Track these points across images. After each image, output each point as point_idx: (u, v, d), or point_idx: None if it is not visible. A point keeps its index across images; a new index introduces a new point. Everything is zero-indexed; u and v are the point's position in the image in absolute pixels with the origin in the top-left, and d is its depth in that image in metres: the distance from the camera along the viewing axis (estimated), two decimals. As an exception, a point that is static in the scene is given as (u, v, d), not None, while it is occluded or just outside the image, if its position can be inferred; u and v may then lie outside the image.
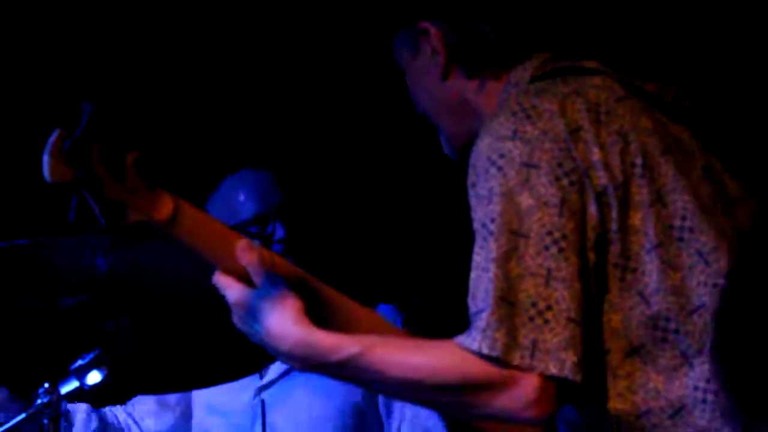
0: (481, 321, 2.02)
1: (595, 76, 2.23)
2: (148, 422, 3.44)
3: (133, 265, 2.64)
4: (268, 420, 3.27)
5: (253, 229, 3.33)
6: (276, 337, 2.17)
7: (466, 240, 2.13)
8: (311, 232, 3.35)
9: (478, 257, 2.07)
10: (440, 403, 2.13)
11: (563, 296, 2.02)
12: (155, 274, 2.66)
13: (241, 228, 3.31)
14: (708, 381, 2.02)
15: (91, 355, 2.64)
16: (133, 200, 2.17)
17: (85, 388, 2.64)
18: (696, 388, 2.02)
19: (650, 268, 2.07)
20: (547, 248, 2.04)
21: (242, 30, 4.14)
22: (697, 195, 2.10)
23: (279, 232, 3.32)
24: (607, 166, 2.08)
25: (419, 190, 4.18)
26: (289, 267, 2.29)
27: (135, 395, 3.32)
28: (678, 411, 2.03)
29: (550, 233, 2.04)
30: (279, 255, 2.33)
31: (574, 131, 2.11)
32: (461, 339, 2.04)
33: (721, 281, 2.05)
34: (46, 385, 2.63)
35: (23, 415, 2.65)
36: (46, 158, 2.10)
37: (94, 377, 2.65)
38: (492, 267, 2.04)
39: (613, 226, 2.08)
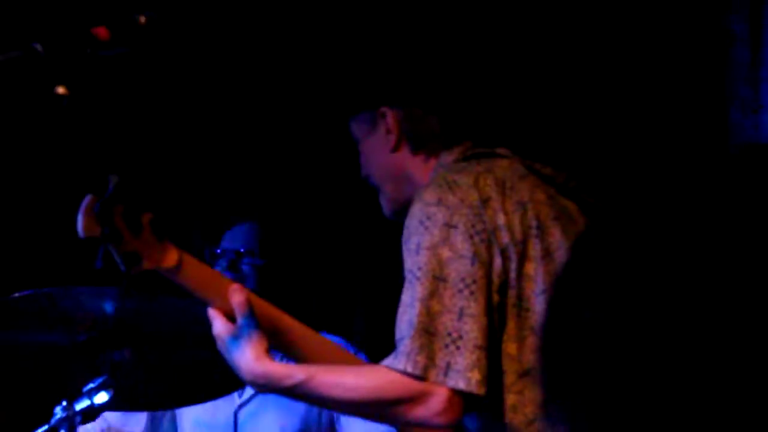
0: (406, 347, 2.24)
1: (503, 159, 2.47)
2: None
3: (134, 309, 2.79)
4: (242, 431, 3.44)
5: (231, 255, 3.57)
6: (242, 369, 2.42)
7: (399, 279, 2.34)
8: (277, 271, 3.59)
9: (406, 297, 2.30)
10: (372, 414, 2.33)
11: (472, 328, 2.24)
12: (152, 316, 2.83)
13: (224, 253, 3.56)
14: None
15: (100, 380, 2.75)
16: (147, 252, 2.40)
17: (95, 405, 2.74)
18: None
19: (539, 308, 2.30)
20: (461, 291, 2.25)
21: (232, 90, 4.33)
22: None
23: (254, 261, 3.59)
24: (509, 228, 2.33)
25: (364, 231, 4.39)
26: (268, 308, 2.51)
27: (134, 411, 3.52)
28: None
29: (463, 279, 2.26)
30: (261, 299, 2.52)
31: (485, 201, 2.34)
32: (389, 362, 2.27)
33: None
34: (64, 402, 2.75)
35: (45, 427, 2.75)
36: (80, 217, 2.36)
37: (101, 397, 2.74)
38: (417, 304, 2.25)
39: (513, 274, 2.31)
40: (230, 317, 2.48)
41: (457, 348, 2.22)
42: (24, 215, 4.28)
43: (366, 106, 2.65)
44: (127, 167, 2.44)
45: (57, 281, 2.82)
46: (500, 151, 2.53)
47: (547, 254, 2.34)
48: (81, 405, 2.78)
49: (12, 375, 2.94)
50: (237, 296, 2.46)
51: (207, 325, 2.80)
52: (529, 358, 2.29)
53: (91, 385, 2.78)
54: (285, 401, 3.35)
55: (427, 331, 2.24)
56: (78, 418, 2.77)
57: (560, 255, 2.33)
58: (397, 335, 2.31)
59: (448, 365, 2.22)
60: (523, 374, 2.30)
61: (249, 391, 3.56)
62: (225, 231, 3.77)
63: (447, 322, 2.23)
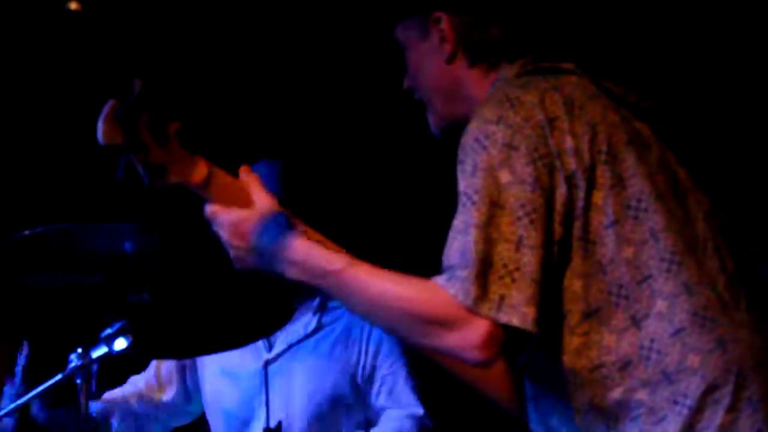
0: (460, 273, 2.10)
1: (571, 75, 2.32)
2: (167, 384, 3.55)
3: (155, 248, 2.70)
4: (271, 388, 3.36)
5: None
6: (281, 249, 2.24)
7: (447, 214, 2.20)
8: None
9: (458, 222, 2.14)
10: (401, 328, 2.18)
11: (530, 260, 2.10)
12: (173, 256, 2.73)
13: None
14: (652, 341, 2.14)
15: (118, 325, 2.71)
16: (174, 164, 2.26)
17: (113, 353, 2.70)
18: (642, 347, 2.14)
19: (608, 242, 2.16)
20: (519, 219, 2.12)
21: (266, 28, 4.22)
22: (652, 181, 2.20)
23: None
24: (577, 152, 2.18)
25: (405, 172, 4.30)
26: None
27: (155, 359, 3.45)
28: (626, 365, 2.14)
29: (522, 206, 2.12)
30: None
31: (551, 120, 2.20)
32: (442, 281, 2.12)
33: (667, 256, 2.16)
34: (79, 350, 2.71)
35: (59, 376, 2.73)
36: (100, 123, 2.20)
37: (120, 344, 2.70)
38: (472, 231, 2.11)
39: (579, 203, 2.17)
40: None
41: (513, 280, 2.09)
42: (38, 145, 4.18)
43: (417, 10, 2.48)
44: (152, 74, 2.24)
45: (71, 217, 2.73)
46: (566, 66, 2.38)
47: (618, 182, 2.20)
48: (98, 352, 2.74)
49: (23, 319, 2.84)
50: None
51: (231, 268, 2.69)
52: (596, 296, 2.19)
53: (109, 331, 2.73)
54: (314, 363, 3.40)
55: (483, 260, 2.11)
56: (95, 366, 2.72)
57: (633, 183, 2.20)
58: (446, 262, 2.16)
59: (502, 298, 2.10)
60: (589, 314, 2.20)
61: (278, 348, 3.46)
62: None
63: (504, 252, 2.11)
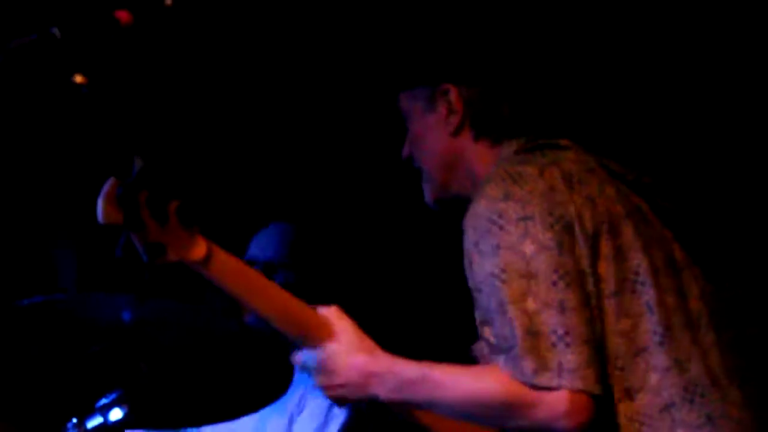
0: (513, 352, 2.13)
1: (568, 151, 2.37)
2: None
3: (153, 319, 2.66)
4: None
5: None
6: (361, 367, 2.32)
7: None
8: (317, 282, 3.40)
9: (493, 303, 2.17)
10: (488, 417, 2.23)
11: (577, 322, 2.14)
12: (171, 327, 2.70)
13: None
14: (643, 415, 2.16)
15: (114, 395, 2.69)
16: (173, 242, 2.29)
17: (108, 423, 2.67)
18: (632, 420, 2.16)
19: (608, 312, 2.20)
20: (555, 284, 2.16)
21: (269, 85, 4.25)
22: (649, 255, 2.25)
23: (285, 278, 3.39)
24: (580, 221, 2.22)
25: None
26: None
27: (149, 429, 3.27)
28: None
29: (555, 271, 2.17)
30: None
31: (552, 189, 2.24)
32: (501, 362, 2.16)
33: (660, 330, 2.19)
34: (74, 420, 2.68)
35: None
36: (100, 202, 2.23)
37: (116, 414, 2.67)
38: (510, 308, 2.15)
39: (588, 270, 2.21)
40: (266, 323, 2.44)
41: (567, 345, 2.14)
42: (36, 212, 4.20)
43: (426, 81, 2.50)
44: (152, 153, 2.25)
45: (68, 287, 2.66)
46: (563, 142, 2.42)
47: (618, 254, 2.25)
48: (93, 422, 2.71)
49: (18, 389, 2.81)
50: (329, 308, 2.42)
51: (230, 337, 2.73)
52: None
53: (105, 401, 2.72)
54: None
55: (530, 332, 2.15)
56: None
57: (631, 257, 2.24)
58: (499, 344, 2.19)
59: (560, 365, 2.13)
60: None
61: (281, 426, 3.47)
62: (253, 236, 3.57)
63: (548, 319, 2.16)
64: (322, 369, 2.36)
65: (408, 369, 2.27)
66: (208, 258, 2.33)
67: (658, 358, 2.17)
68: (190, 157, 4.10)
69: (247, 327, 2.84)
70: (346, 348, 2.34)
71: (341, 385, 2.34)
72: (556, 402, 2.12)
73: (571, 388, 2.11)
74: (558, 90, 2.70)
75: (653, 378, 2.16)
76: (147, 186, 2.23)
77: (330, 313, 2.39)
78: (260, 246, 3.51)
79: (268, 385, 2.86)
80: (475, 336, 2.36)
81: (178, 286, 2.80)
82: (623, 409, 2.16)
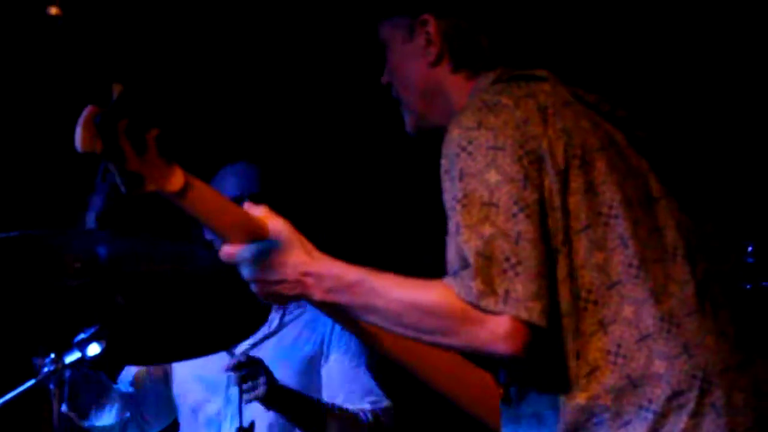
0: (462, 272, 2.12)
1: (544, 82, 2.33)
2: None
3: (128, 253, 2.67)
4: (233, 386, 3.32)
5: None
6: (297, 265, 2.26)
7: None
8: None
9: (451, 226, 2.16)
10: (424, 329, 2.18)
11: (531, 254, 2.12)
12: (146, 261, 2.70)
13: None
14: (618, 346, 2.15)
15: (91, 330, 2.70)
16: (151, 172, 2.21)
17: (86, 358, 2.68)
18: (608, 352, 2.15)
19: (579, 247, 2.18)
20: (515, 215, 2.13)
21: (250, 26, 4.20)
22: (623, 188, 2.22)
23: None
24: (552, 156, 2.20)
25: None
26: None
27: (127, 365, 3.45)
28: (593, 371, 2.16)
29: (516, 203, 2.14)
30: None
31: (526, 122, 2.22)
32: (448, 280, 2.14)
33: (635, 262, 2.18)
34: (52, 355, 2.70)
35: (32, 382, 2.72)
36: (78, 130, 2.14)
37: (93, 349, 2.69)
38: (465, 231, 2.13)
39: (556, 206, 2.19)
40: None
41: (516, 274, 2.11)
42: (15, 150, 4.15)
43: (405, 11, 2.48)
44: (131, 80, 2.21)
45: (46, 221, 2.73)
46: (540, 73, 2.38)
47: (590, 188, 2.22)
48: (71, 357, 2.72)
49: None
50: (257, 209, 2.34)
51: (207, 272, 2.73)
52: (566, 301, 2.19)
53: (82, 336, 2.71)
54: (277, 360, 3.38)
55: (482, 255, 2.12)
56: (67, 372, 2.74)
57: (604, 190, 2.22)
58: (449, 268, 2.18)
59: (507, 292, 2.11)
60: (557, 317, 2.20)
61: (241, 346, 3.42)
62: (217, 173, 3.55)
63: (503, 245, 2.12)
64: (258, 263, 2.29)
65: (348, 271, 2.24)
66: (185, 189, 2.27)
67: (633, 290, 2.17)
68: (166, 84, 4.06)
69: (222, 261, 2.85)
70: (284, 245, 2.29)
71: (277, 282, 2.28)
72: (496, 325, 2.09)
73: (515, 316, 2.09)
74: (536, 21, 2.67)
75: (628, 310, 2.16)
76: (126, 114, 2.18)
77: (262, 212, 2.34)
78: (233, 182, 3.50)
79: (243, 320, 2.89)
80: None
81: (163, 221, 2.76)
82: (597, 342, 2.16)
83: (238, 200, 3.11)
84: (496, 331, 2.09)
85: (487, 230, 2.12)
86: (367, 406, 3.43)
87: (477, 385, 2.54)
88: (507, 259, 2.11)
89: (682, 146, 2.44)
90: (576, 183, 2.21)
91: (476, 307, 2.10)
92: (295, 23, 4.22)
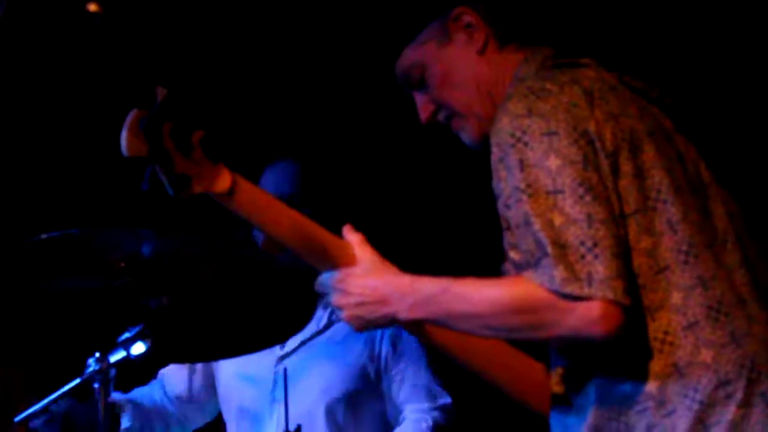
0: (542, 262, 2.10)
1: (588, 68, 2.32)
2: (178, 385, 3.53)
3: (173, 252, 2.66)
4: (282, 385, 3.27)
5: None
6: (380, 287, 2.28)
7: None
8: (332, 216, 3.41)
9: (518, 216, 2.15)
10: (515, 327, 2.17)
11: (605, 234, 2.09)
12: (192, 260, 2.69)
13: None
14: (665, 333, 2.13)
15: (136, 329, 2.71)
16: (198, 174, 2.24)
17: (131, 357, 2.69)
18: (654, 339, 2.13)
19: (628, 231, 2.15)
20: (581, 197, 2.11)
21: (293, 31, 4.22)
22: (671, 173, 2.20)
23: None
24: (601, 138, 2.18)
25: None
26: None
27: (171, 363, 3.44)
28: (638, 356, 2.14)
29: (581, 184, 2.12)
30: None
31: (575, 106, 2.20)
32: (528, 274, 2.12)
33: (684, 248, 2.16)
34: (97, 354, 2.70)
35: (77, 380, 2.73)
36: (124, 134, 2.18)
37: (138, 348, 2.70)
38: (536, 221, 2.11)
39: (610, 186, 2.17)
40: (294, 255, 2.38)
41: (595, 257, 2.08)
42: (58, 149, 4.16)
43: (434, 17, 2.46)
44: (174, 82, 2.21)
45: (90, 220, 2.76)
46: (584, 60, 2.37)
47: (639, 172, 2.20)
48: (116, 356, 2.72)
49: (40, 324, 2.80)
50: (354, 235, 2.37)
51: (252, 271, 2.74)
52: None
53: (127, 335, 2.72)
54: (326, 360, 3.38)
55: (558, 244, 2.10)
56: (112, 371, 2.71)
57: (652, 174, 2.20)
58: (522, 259, 2.17)
59: (590, 275, 2.08)
60: None
61: (290, 345, 3.44)
62: (263, 172, 3.53)
63: (576, 231, 2.10)
64: (337, 287, 2.32)
65: (429, 283, 2.24)
66: (232, 189, 2.30)
67: (682, 277, 2.14)
68: (204, 85, 4.05)
69: (267, 260, 2.85)
70: (364, 269, 2.31)
71: (358, 304, 2.29)
72: (587, 309, 2.07)
73: (602, 297, 2.07)
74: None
75: (676, 296, 2.14)
76: (171, 116, 2.20)
77: (353, 239, 2.37)
78: (273, 182, 3.48)
79: (288, 318, 2.87)
80: (497, 267, 2.36)
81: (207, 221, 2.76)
82: (642, 328, 2.13)
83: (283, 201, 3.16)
84: (588, 315, 2.07)
85: (557, 219, 2.11)
86: (426, 405, 3.41)
87: (527, 374, 2.52)
88: (582, 243, 2.09)
89: (726, 133, 2.41)
90: (626, 167, 2.19)
91: (562, 295, 2.08)
92: (340, 24, 4.20)
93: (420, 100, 2.51)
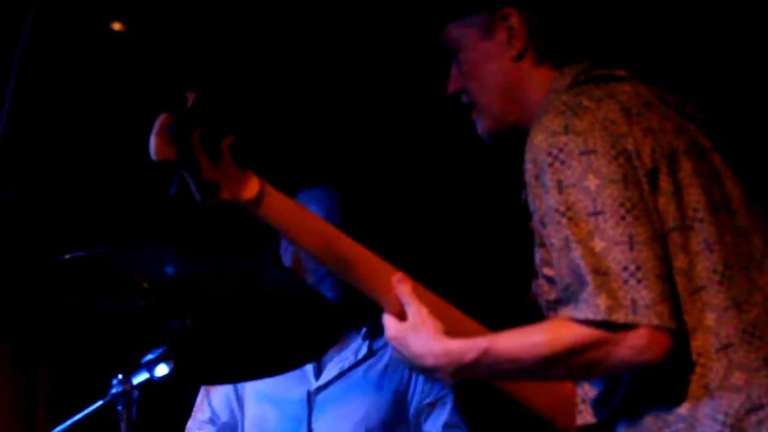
0: (583, 293, 2.06)
1: (625, 83, 2.29)
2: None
3: (197, 273, 2.64)
4: (319, 414, 3.34)
5: None
6: (422, 356, 2.25)
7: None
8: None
9: (558, 240, 2.11)
10: (569, 370, 2.15)
11: (648, 256, 2.06)
12: (214, 280, 2.67)
13: None
14: (699, 355, 2.09)
15: (159, 350, 2.67)
16: (226, 180, 2.23)
17: (154, 379, 2.65)
18: (688, 360, 2.09)
19: (670, 247, 2.13)
20: (623, 218, 2.08)
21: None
22: (708, 192, 2.17)
23: None
24: (639, 155, 2.14)
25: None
26: (424, 291, 2.39)
27: (197, 385, 3.42)
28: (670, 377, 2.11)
29: (622, 204, 2.09)
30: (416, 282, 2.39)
31: (612, 122, 2.16)
32: (568, 313, 2.09)
33: (720, 268, 2.12)
34: (120, 376, 2.66)
35: (100, 403, 2.68)
36: (152, 138, 2.16)
37: (161, 370, 2.66)
38: (576, 247, 2.08)
39: (650, 205, 2.14)
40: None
41: (638, 281, 2.05)
42: (79, 168, 4.14)
43: (483, 7, 2.41)
44: (204, 88, 2.20)
45: (113, 241, 2.74)
46: (620, 73, 2.33)
47: (677, 190, 2.17)
48: (139, 378, 2.69)
49: (63, 345, 2.81)
50: (403, 286, 2.35)
51: (277, 290, 2.70)
52: None
53: (150, 357, 2.70)
54: (364, 390, 3.36)
55: (598, 271, 2.06)
56: (135, 393, 2.67)
57: (689, 192, 2.17)
58: (560, 284, 2.14)
59: (634, 302, 2.05)
60: None
61: (328, 374, 3.43)
62: (295, 196, 3.47)
63: (618, 255, 2.06)
64: (390, 341, 2.32)
65: (467, 347, 2.20)
66: (260, 196, 2.28)
67: (716, 297, 2.11)
68: (235, 96, 4.03)
69: (293, 281, 2.82)
70: (407, 329, 2.29)
71: (407, 360, 2.29)
72: (635, 339, 2.04)
73: (648, 324, 2.04)
74: (618, 14, 2.59)
75: (710, 317, 2.10)
76: (200, 122, 2.18)
77: (402, 291, 2.34)
78: (313, 209, 3.45)
79: (313, 340, 2.84)
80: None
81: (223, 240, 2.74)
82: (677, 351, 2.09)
83: None
84: (637, 344, 2.05)
85: (598, 244, 2.07)
86: None
87: (559, 394, 2.48)
88: (625, 269, 2.06)
89: (763, 150, 2.37)
90: (665, 184, 2.16)
91: (608, 325, 2.05)
92: (376, 39, 4.17)
93: (453, 71, 2.48)
